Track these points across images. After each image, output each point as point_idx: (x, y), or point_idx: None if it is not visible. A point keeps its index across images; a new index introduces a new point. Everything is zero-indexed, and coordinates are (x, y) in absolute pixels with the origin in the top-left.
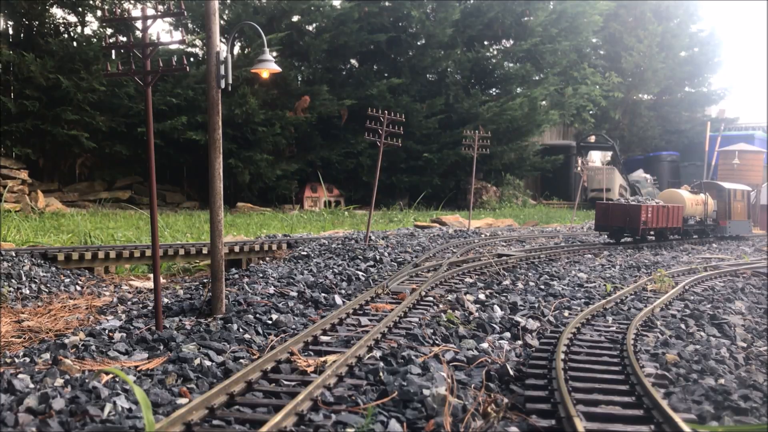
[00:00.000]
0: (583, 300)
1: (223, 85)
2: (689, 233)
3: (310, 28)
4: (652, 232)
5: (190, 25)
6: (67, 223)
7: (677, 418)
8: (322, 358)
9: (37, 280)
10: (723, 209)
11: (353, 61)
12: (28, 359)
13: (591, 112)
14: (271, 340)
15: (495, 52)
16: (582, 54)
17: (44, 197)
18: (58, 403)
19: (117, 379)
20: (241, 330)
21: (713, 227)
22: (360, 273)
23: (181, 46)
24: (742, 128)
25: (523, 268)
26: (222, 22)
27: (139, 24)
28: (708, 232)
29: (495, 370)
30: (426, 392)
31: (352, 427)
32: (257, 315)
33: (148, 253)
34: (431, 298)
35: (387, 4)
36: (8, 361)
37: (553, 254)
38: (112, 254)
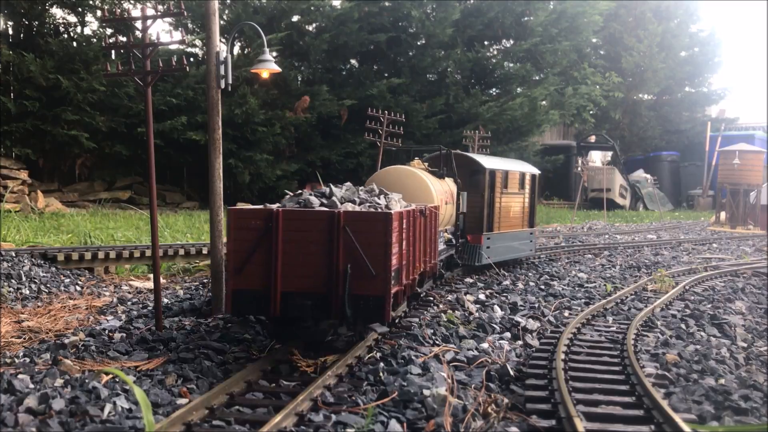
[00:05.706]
0: (583, 300)
1: (223, 85)
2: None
3: (310, 28)
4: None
5: (190, 25)
6: (67, 224)
7: (677, 418)
8: (322, 358)
9: (37, 281)
10: (477, 210)
11: (353, 61)
12: (28, 359)
13: (591, 112)
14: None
15: (495, 52)
16: (582, 54)
17: (44, 197)
18: (58, 404)
19: (117, 380)
20: (241, 330)
21: (459, 248)
22: None
23: (181, 46)
24: (742, 128)
25: (523, 268)
26: (222, 22)
27: (139, 24)
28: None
29: (495, 371)
30: (426, 392)
31: (352, 427)
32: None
33: (148, 253)
34: (431, 298)
35: (387, 4)
36: (8, 361)
37: (553, 254)
38: (112, 254)
